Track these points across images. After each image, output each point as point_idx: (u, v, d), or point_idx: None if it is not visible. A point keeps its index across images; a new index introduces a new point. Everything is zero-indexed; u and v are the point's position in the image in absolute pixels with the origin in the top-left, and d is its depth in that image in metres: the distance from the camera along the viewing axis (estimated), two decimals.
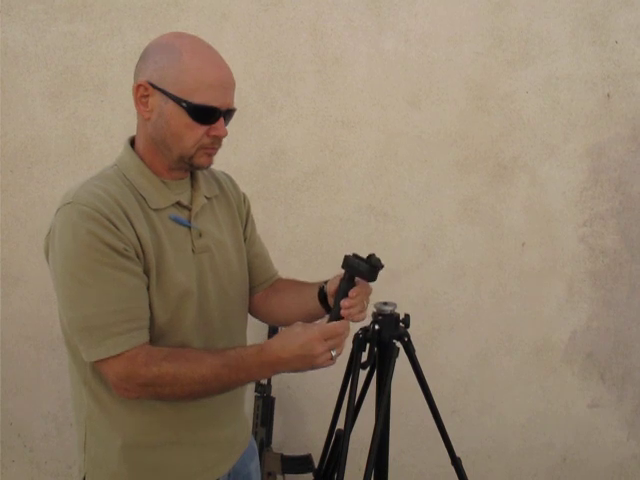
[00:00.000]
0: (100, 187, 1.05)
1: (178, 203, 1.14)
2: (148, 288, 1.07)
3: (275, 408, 2.08)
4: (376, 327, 1.44)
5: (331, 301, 1.22)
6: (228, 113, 1.11)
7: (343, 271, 1.17)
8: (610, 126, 2.12)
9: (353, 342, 1.51)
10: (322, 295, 1.26)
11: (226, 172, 1.37)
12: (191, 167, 1.14)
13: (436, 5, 2.07)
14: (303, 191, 2.14)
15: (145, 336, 1.05)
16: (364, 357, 1.47)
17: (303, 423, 2.26)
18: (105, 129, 2.13)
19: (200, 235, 1.16)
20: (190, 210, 1.16)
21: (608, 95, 2.11)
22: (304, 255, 2.08)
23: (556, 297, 2.21)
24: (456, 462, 1.61)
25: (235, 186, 1.35)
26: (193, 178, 1.20)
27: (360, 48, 2.08)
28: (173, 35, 1.10)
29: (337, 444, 1.63)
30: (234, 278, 1.24)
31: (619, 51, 2.09)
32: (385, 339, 1.45)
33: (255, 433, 2.03)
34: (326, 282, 1.27)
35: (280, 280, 1.42)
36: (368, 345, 1.45)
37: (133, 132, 2.21)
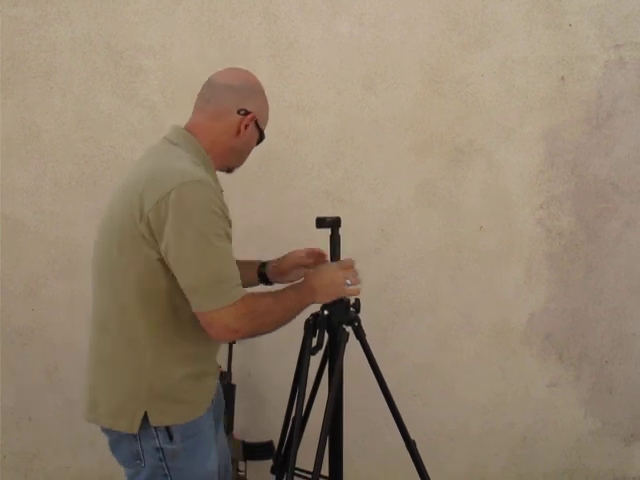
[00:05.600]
0: (199, 169, 1.28)
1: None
2: None
3: (236, 395, 2.07)
4: (325, 313, 1.45)
5: (283, 279, 1.61)
6: None
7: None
8: (565, 109, 2.13)
9: (304, 328, 1.51)
10: (261, 274, 1.62)
11: None
12: (229, 170, 1.47)
13: None
14: (259, 177, 2.12)
15: None
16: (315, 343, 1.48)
17: (264, 410, 2.26)
18: (55, 117, 2.08)
19: None
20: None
21: (562, 78, 2.12)
22: (261, 241, 2.07)
23: (514, 279, 2.23)
24: (410, 445, 1.63)
25: None
26: None
27: (314, 32, 2.06)
28: (254, 76, 1.43)
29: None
30: None
31: (573, 34, 2.10)
32: (334, 324, 1.46)
33: None
34: (263, 264, 1.62)
35: None
36: (318, 331, 1.46)
37: (85, 119, 2.14)
